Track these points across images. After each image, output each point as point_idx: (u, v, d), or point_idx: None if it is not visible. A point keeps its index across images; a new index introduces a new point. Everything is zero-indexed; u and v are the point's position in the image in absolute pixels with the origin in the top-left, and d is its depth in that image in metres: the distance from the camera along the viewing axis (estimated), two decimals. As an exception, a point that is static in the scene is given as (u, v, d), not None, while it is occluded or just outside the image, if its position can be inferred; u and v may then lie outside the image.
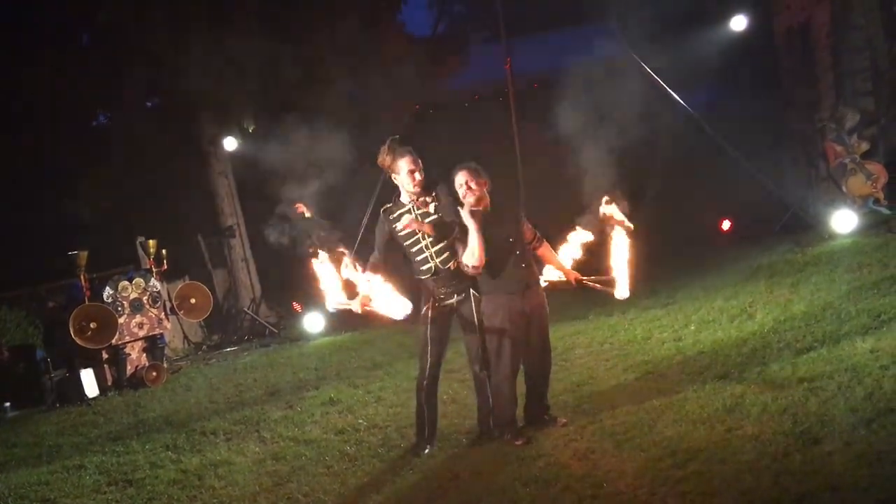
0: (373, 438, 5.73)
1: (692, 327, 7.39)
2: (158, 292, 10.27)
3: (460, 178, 5.11)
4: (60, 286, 10.94)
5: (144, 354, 10.11)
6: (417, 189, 5.13)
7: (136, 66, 12.26)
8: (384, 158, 5.18)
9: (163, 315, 10.29)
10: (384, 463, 5.17)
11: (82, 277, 9.69)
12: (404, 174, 5.13)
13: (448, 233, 5.09)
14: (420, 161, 5.16)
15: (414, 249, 5.22)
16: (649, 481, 4.14)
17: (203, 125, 13.57)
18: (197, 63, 12.02)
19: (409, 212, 5.18)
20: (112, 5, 11.34)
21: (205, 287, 11.26)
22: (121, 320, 9.71)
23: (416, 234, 5.16)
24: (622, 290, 5.41)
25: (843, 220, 10.54)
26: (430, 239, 5.14)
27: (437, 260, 5.17)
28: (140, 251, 11.50)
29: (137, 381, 9.61)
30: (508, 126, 12.69)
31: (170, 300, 10.69)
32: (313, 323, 11.34)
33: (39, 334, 10.94)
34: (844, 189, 11.70)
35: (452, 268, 5.15)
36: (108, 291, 9.77)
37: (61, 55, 12.18)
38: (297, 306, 12.15)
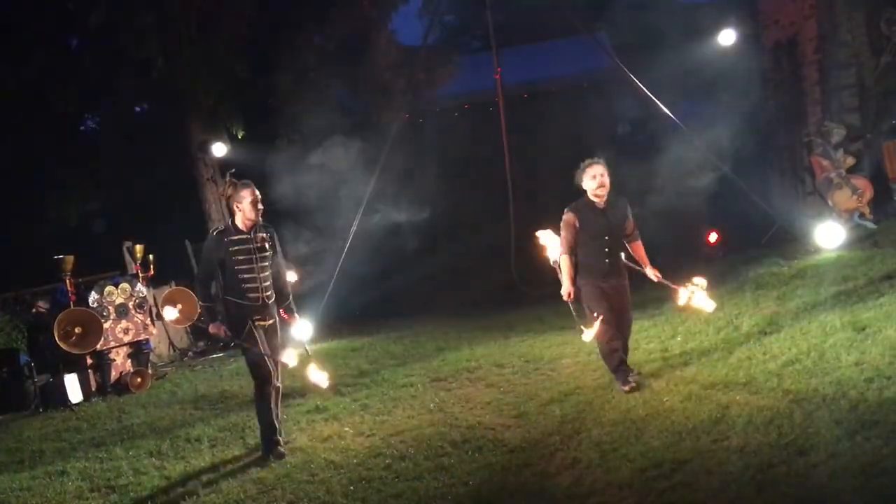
0: (358, 447, 5.71)
1: (679, 338, 7.42)
2: (144, 297, 10.21)
3: (597, 170, 5.96)
4: (46, 290, 10.86)
5: (129, 360, 10.04)
6: (254, 218, 5.73)
7: (125, 71, 12.22)
8: (225, 190, 5.81)
9: (148, 321, 10.22)
10: (369, 471, 5.14)
11: (68, 282, 9.62)
12: (247, 203, 5.71)
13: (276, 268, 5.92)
14: (259, 194, 5.76)
15: (246, 276, 5.75)
16: (635, 492, 4.15)
17: (192, 131, 13.53)
18: (186, 69, 12.03)
19: (248, 241, 5.74)
20: (102, 10, 11.30)
21: (191, 293, 11.20)
22: (106, 325, 9.64)
23: (252, 263, 5.73)
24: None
25: (829, 234, 10.62)
26: (263, 273, 5.77)
27: (264, 294, 5.82)
28: (127, 256, 11.43)
29: (122, 387, 9.54)
30: (499, 135, 12.72)
31: (156, 305, 10.63)
32: (301, 331, 11.27)
33: (23, 339, 10.86)
34: (830, 203, 11.80)
35: (271, 301, 5.89)
36: (93, 296, 9.71)
37: (50, 59, 12.12)
38: (283, 314, 12.08)
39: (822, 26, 12.85)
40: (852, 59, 12.74)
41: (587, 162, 6.08)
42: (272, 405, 5.82)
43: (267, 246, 5.82)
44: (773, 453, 4.25)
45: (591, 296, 6.09)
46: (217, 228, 5.98)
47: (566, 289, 6.09)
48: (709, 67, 12.77)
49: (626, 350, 6.26)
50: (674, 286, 6.27)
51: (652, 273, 6.21)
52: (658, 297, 9.75)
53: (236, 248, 5.73)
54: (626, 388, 5.90)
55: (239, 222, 5.77)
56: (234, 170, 6.29)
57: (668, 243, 12.28)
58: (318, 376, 6.09)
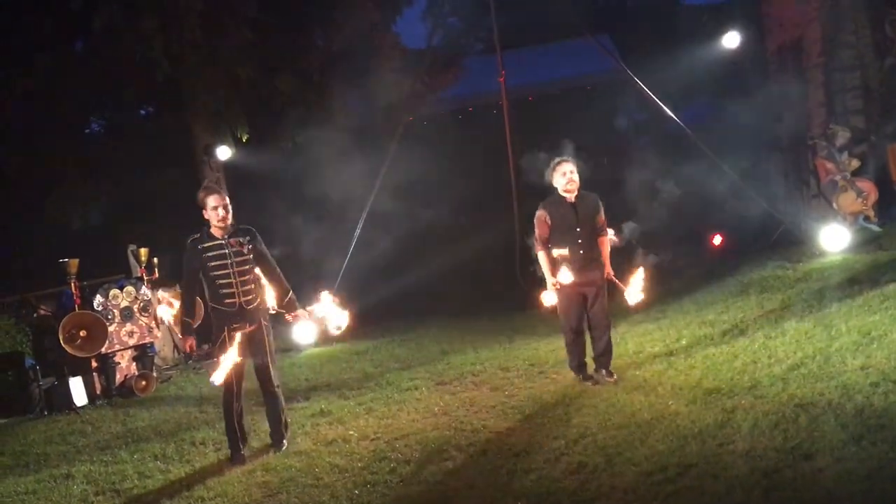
0: (363, 450, 5.71)
1: (683, 342, 7.41)
2: (149, 301, 10.23)
3: (567, 167, 6.39)
4: (51, 294, 10.86)
5: (134, 363, 10.05)
6: (221, 224, 5.81)
7: (130, 74, 12.23)
8: (200, 196, 5.90)
9: (153, 324, 10.23)
10: (374, 475, 5.14)
11: (73, 285, 9.63)
12: (210, 210, 5.80)
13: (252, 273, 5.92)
14: (227, 201, 5.86)
15: (222, 282, 5.81)
16: (641, 496, 4.15)
17: (196, 134, 13.55)
18: (191, 72, 12.05)
19: (222, 247, 5.82)
20: (106, 14, 11.32)
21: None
22: (111, 328, 9.64)
23: (227, 269, 5.80)
24: (632, 297, 6.62)
25: (834, 237, 10.60)
26: (241, 278, 5.83)
27: (243, 299, 5.85)
28: (131, 259, 11.44)
29: (126, 390, 9.54)
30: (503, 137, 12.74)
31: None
32: (304, 334, 11.30)
33: (28, 342, 10.86)
34: (835, 206, 11.78)
35: (252, 305, 5.89)
36: (98, 299, 9.71)
37: (55, 62, 12.14)
38: (288, 317, 12.09)
39: (826, 28, 12.83)
40: (857, 61, 12.73)
41: (556, 160, 6.54)
42: (233, 414, 5.92)
43: (245, 251, 5.86)
44: (779, 458, 4.24)
45: (563, 287, 6.46)
46: (192, 237, 5.95)
47: (550, 281, 6.47)
48: (713, 70, 12.78)
49: (604, 348, 6.58)
50: (622, 285, 6.74)
51: (607, 271, 6.58)
52: (663, 301, 9.77)
53: (210, 254, 5.82)
54: (580, 378, 6.61)
55: (213, 229, 5.86)
56: (210, 180, 6.39)
57: (672, 245, 12.35)
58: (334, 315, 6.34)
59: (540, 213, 6.51)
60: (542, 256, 6.52)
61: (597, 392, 6.24)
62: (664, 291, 10.39)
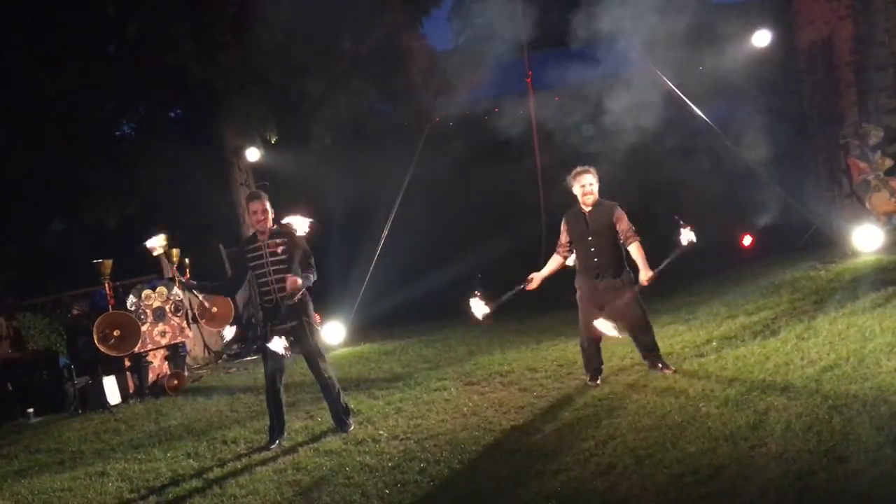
0: (393, 450, 5.74)
1: (714, 343, 7.35)
2: (181, 301, 10.35)
3: (586, 179, 6.55)
4: (84, 294, 11.05)
5: (166, 362, 10.19)
6: (259, 227, 6.23)
7: (162, 77, 12.40)
8: (244, 201, 6.50)
9: (185, 324, 10.36)
10: (404, 475, 5.17)
11: (107, 285, 9.78)
12: (249, 213, 6.30)
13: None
14: (266, 206, 6.23)
15: (260, 280, 6.25)
16: (672, 499, 4.13)
17: (226, 136, 13.69)
18: (221, 75, 12.17)
19: (261, 249, 6.22)
20: (139, 19, 11.48)
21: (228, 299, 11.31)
22: (143, 328, 9.79)
23: (264, 268, 6.20)
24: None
25: (867, 238, 10.46)
26: (276, 276, 6.17)
27: (279, 295, 6.17)
28: (163, 260, 11.57)
29: (159, 389, 9.68)
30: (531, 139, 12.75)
31: (191, 309, 10.77)
32: (333, 334, 11.38)
33: (63, 341, 11.05)
34: (868, 206, 11.63)
35: (290, 301, 6.15)
36: (131, 299, 9.86)
37: (88, 66, 12.32)
38: (316, 317, 12.18)
39: (858, 27, 12.67)
40: (890, 59, 12.54)
41: (577, 170, 6.67)
42: (270, 404, 6.38)
43: (279, 251, 6.21)
44: (813, 460, 4.20)
45: (581, 294, 6.72)
46: (244, 238, 6.54)
47: (530, 283, 6.83)
48: (743, 68, 12.64)
49: (646, 345, 6.70)
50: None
51: (644, 275, 6.50)
52: (692, 302, 9.71)
53: (251, 255, 6.28)
54: (590, 381, 6.66)
55: (254, 231, 6.34)
56: (266, 182, 6.64)
57: (702, 246, 12.24)
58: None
59: (562, 223, 6.80)
60: (553, 258, 6.84)
61: (626, 393, 6.22)
62: (694, 292, 10.32)
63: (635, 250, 6.56)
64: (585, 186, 6.58)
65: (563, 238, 6.77)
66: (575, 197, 6.69)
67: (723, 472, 4.28)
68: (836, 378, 5.46)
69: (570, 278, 6.81)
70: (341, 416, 6.44)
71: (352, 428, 6.39)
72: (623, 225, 6.56)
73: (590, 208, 6.60)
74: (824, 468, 4.08)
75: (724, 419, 5.08)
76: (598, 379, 6.67)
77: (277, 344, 6.06)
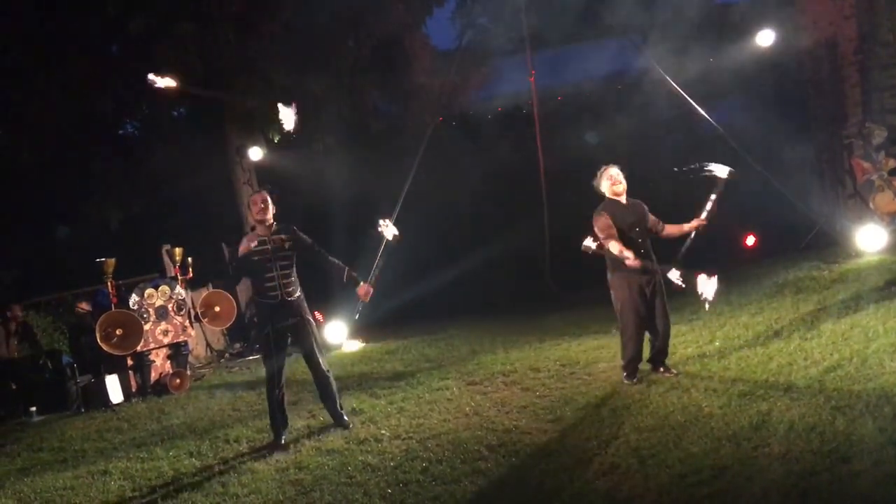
0: (395, 449, 5.73)
1: (717, 343, 7.35)
2: (183, 300, 10.36)
3: (613, 171, 6.51)
4: (87, 292, 11.07)
5: (168, 361, 10.20)
6: (259, 218, 6.19)
7: (165, 76, 12.40)
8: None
9: (187, 322, 10.37)
10: (406, 474, 5.16)
11: (109, 284, 9.79)
12: (251, 205, 6.29)
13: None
14: (266, 198, 6.24)
15: (265, 276, 6.15)
16: (675, 499, 4.12)
17: (229, 135, 13.71)
18: (224, 74, 12.18)
19: (265, 244, 6.15)
20: (142, 18, 11.49)
21: (229, 295, 11.33)
22: (146, 327, 9.80)
23: (270, 263, 6.12)
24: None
25: (871, 238, 10.45)
26: (282, 271, 6.15)
27: (284, 291, 6.17)
28: (166, 259, 11.61)
29: (161, 388, 9.69)
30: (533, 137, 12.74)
31: (194, 308, 10.78)
32: (335, 333, 11.38)
33: (66, 340, 11.07)
34: (872, 206, 11.60)
35: (293, 298, 6.20)
36: (134, 298, 9.87)
37: (91, 65, 12.34)
38: (318, 316, 12.19)
39: (862, 27, 12.64)
40: (893, 59, 12.51)
41: (603, 168, 6.63)
42: (275, 401, 6.27)
43: (286, 247, 6.22)
44: (816, 461, 4.19)
45: (622, 294, 6.47)
46: (245, 233, 6.45)
47: (629, 256, 6.14)
48: (746, 68, 12.63)
49: (663, 348, 6.59)
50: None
51: (697, 222, 6.50)
52: (695, 301, 9.67)
53: (255, 249, 6.14)
54: (629, 381, 6.47)
55: (257, 227, 6.28)
56: (272, 187, 6.67)
57: (704, 246, 12.22)
58: None
59: (602, 216, 6.40)
60: (613, 245, 6.23)
61: (629, 393, 6.21)
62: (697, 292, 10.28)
63: (672, 228, 6.58)
64: (614, 177, 6.51)
65: (611, 229, 6.31)
66: (601, 195, 6.58)
67: (725, 473, 4.27)
68: (840, 378, 5.44)
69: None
70: (340, 413, 6.48)
71: (351, 424, 6.42)
72: (652, 217, 6.57)
73: (625, 200, 6.52)
74: (827, 469, 4.06)
75: (727, 419, 5.06)
76: (635, 374, 6.51)
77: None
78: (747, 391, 5.59)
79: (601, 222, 6.42)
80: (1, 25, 12.30)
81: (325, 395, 6.47)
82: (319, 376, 6.41)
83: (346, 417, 6.49)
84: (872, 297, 7.73)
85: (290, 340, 6.34)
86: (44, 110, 12.53)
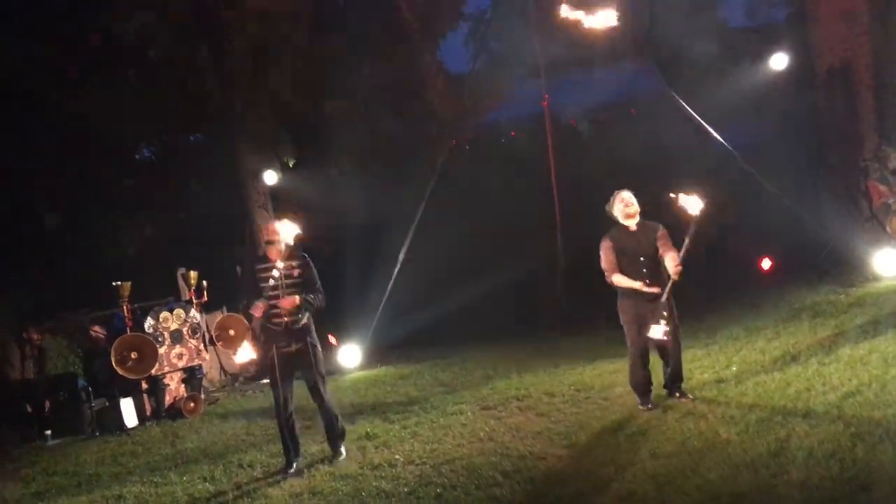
0: (409, 475, 5.70)
1: (734, 368, 7.28)
2: (198, 323, 10.39)
3: (625, 195, 6.40)
4: (103, 316, 11.11)
5: (183, 385, 10.21)
6: (270, 246, 6.24)
7: (182, 102, 12.54)
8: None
9: (201, 346, 10.39)
10: (420, 500, 5.13)
11: (125, 308, 9.83)
12: (263, 232, 6.48)
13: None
14: (275, 227, 6.29)
15: (271, 302, 6.14)
16: (692, 526, 4.07)
17: (244, 159, 13.81)
18: (241, 100, 12.31)
19: (275, 269, 6.15)
20: (160, 45, 11.65)
21: (243, 318, 11.33)
22: (161, 350, 9.82)
23: (277, 290, 6.15)
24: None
25: (888, 261, 10.36)
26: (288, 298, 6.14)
27: (289, 318, 6.16)
28: (181, 282, 11.65)
29: (175, 412, 9.69)
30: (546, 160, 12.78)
31: (208, 331, 10.80)
32: (349, 357, 11.38)
33: (81, 363, 11.10)
34: (888, 229, 11.52)
35: (299, 325, 6.18)
36: (149, 322, 9.91)
37: (108, 91, 12.50)
38: (332, 339, 12.20)
39: (877, 50, 12.61)
40: (909, 83, 12.48)
41: (615, 193, 6.51)
42: (283, 427, 6.27)
43: (295, 274, 6.23)
44: (835, 488, 4.13)
45: (628, 318, 6.43)
46: (256, 256, 6.50)
47: (642, 286, 6.18)
48: (760, 92, 12.64)
49: (676, 374, 6.51)
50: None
51: (672, 268, 6.08)
52: (711, 326, 9.63)
53: (263, 275, 6.20)
54: (642, 406, 6.39)
55: (267, 251, 6.31)
56: (257, 204, 6.73)
57: (720, 270, 12.17)
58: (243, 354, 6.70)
59: (605, 242, 6.42)
60: (618, 279, 6.30)
61: (645, 419, 6.15)
62: (713, 316, 10.24)
63: (666, 263, 6.21)
64: (626, 200, 6.38)
65: (613, 257, 6.35)
66: (613, 221, 6.48)
67: (744, 500, 4.22)
68: (859, 404, 5.38)
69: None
70: (336, 441, 6.40)
71: (344, 455, 6.33)
72: (665, 242, 6.32)
73: (636, 227, 6.39)
74: (847, 496, 4.01)
75: (745, 446, 5.01)
76: (650, 400, 6.41)
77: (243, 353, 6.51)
78: (765, 417, 5.53)
79: (604, 258, 6.42)
80: (21, 51, 12.50)
81: (326, 422, 6.42)
82: (320, 405, 6.39)
83: (341, 448, 6.39)
84: (891, 322, 7.65)
85: (294, 365, 6.30)
86: (60, 134, 12.68)
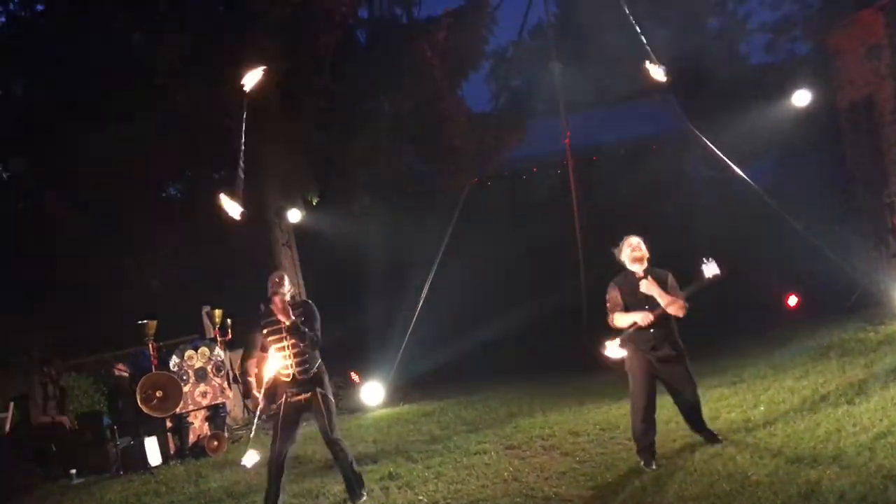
0: (433, 516, 5.66)
1: (762, 408, 7.18)
2: (222, 361, 10.43)
3: (633, 241, 6.30)
4: (128, 354, 11.18)
5: (207, 423, 10.22)
6: (272, 292, 6.20)
7: (208, 142, 12.71)
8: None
9: (225, 384, 10.42)
10: (445, 543, 5.08)
11: (150, 346, 9.90)
12: (270, 285, 6.28)
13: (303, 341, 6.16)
14: (283, 278, 6.32)
15: (278, 354, 6.20)
16: (723, 572, 3.99)
17: (268, 197, 13.94)
18: (265, 139, 12.47)
19: (278, 322, 6.14)
20: (191, 89, 11.85)
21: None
22: (185, 389, 9.86)
23: (283, 342, 6.16)
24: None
25: (917, 298, 10.23)
26: (293, 350, 6.17)
27: (296, 370, 6.20)
28: (206, 320, 11.72)
29: (199, 450, 9.69)
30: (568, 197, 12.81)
31: (232, 369, 10.83)
32: (372, 394, 11.34)
33: (106, 401, 11.15)
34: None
35: (307, 375, 6.21)
36: (174, 360, 9.96)
37: (137, 131, 12.70)
38: (355, 377, 12.19)
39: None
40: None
41: (624, 238, 6.41)
42: (274, 469, 6.24)
43: (300, 322, 6.17)
44: (869, 533, 4.05)
45: (633, 367, 6.26)
46: (260, 312, 6.48)
47: (646, 319, 6.08)
48: (783, 128, 12.63)
49: (694, 420, 6.37)
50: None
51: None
52: (738, 364, 9.52)
53: (268, 329, 6.25)
54: (646, 468, 6.00)
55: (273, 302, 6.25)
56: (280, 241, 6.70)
57: (745, 307, 12.06)
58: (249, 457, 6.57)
59: (612, 289, 6.35)
60: (619, 318, 6.23)
61: (672, 460, 6.07)
62: (740, 354, 10.12)
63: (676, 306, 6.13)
64: (634, 245, 6.28)
65: (615, 299, 6.29)
66: (620, 267, 6.38)
67: (775, 545, 4.14)
68: (891, 446, 5.28)
69: (610, 337, 6.67)
70: (353, 487, 6.31)
71: (364, 498, 6.28)
72: (673, 292, 6.19)
73: (643, 273, 6.24)
74: (882, 542, 3.92)
75: (775, 488, 4.93)
76: (653, 462, 6.03)
77: (250, 457, 6.42)
78: (795, 458, 5.44)
79: (610, 298, 6.35)
80: (50, 91, 12.76)
81: (341, 466, 6.36)
82: (333, 451, 6.34)
83: (361, 492, 6.32)
84: (922, 360, 7.54)
85: (305, 414, 6.35)
86: (87, 173, 12.86)
